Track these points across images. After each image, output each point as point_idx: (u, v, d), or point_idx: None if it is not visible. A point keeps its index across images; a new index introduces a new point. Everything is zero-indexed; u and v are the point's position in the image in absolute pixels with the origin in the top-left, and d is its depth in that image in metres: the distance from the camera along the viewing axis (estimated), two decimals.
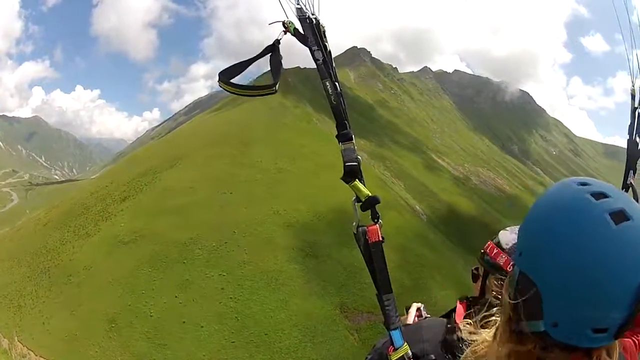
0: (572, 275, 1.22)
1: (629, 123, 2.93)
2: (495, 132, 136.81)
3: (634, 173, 2.92)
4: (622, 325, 1.23)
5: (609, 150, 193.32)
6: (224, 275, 18.08)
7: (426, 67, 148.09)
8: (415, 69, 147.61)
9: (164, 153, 32.93)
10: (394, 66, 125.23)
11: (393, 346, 1.78)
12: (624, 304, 1.21)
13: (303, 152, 31.53)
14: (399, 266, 20.05)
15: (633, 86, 2.98)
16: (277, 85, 1.99)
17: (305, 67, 67.17)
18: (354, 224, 1.86)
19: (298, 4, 1.99)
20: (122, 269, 18.68)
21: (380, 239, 1.84)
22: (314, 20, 2.01)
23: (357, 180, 1.89)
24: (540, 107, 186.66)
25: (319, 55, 1.97)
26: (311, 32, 2.00)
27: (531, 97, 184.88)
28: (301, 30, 2.00)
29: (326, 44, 2.03)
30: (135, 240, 20.38)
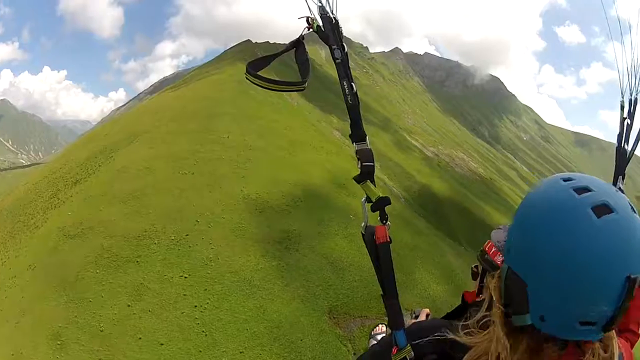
0: (556, 270, 1.31)
1: (618, 132, 3.12)
2: (466, 115, 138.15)
3: (623, 179, 3.05)
4: (610, 319, 1.34)
5: (579, 139, 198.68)
6: (185, 278, 15.04)
7: (397, 47, 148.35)
8: (385, 50, 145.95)
9: (122, 130, 29.66)
10: (364, 45, 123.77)
11: (397, 346, 1.92)
12: (611, 297, 1.30)
13: (274, 128, 28.76)
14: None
15: (622, 98, 3.16)
16: (306, 83, 2.11)
17: (274, 42, 66.72)
18: (363, 224, 2.08)
19: (320, 2, 2.07)
20: (67, 269, 15.51)
21: (388, 239, 2.02)
22: (334, 19, 2.09)
23: (368, 180, 2.08)
24: (511, 92, 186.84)
25: (338, 54, 2.07)
26: (331, 31, 2.08)
27: (502, 82, 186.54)
28: (323, 28, 2.08)
29: (344, 44, 2.10)
30: (82, 233, 17.16)
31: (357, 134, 2.10)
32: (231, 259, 16.15)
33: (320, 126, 38.68)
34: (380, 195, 2.08)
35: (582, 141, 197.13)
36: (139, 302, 14.35)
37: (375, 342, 3.10)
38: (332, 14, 2.10)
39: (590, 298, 1.31)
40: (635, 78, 3.16)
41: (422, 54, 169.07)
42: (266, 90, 2.19)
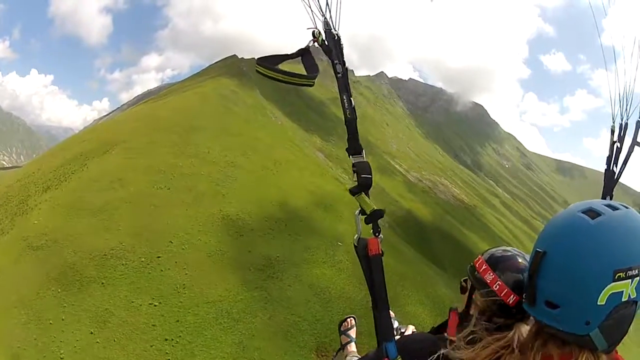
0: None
1: (607, 155, 3.34)
2: (448, 142, 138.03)
3: (611, 199, 3.14)
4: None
5: (561, 166, 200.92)
6: (155, 306, 13.64)
7: (382, 72, 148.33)
8: (369, 74, 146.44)
9: (99, 138, 27.87)
10: (350, 69, 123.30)
11: (387, 358, 2.06)
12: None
13: (257, 146, 27.34)
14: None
15: (613, 122, 3.38)
16: (315, 78, 2.24)
17: (253, 58, 65.99)
18: (355, 236, 2.24)
19: (324, 18, 2.22)
20: (27, 285, 14.00)
21: (381, 252, 2.19)
22: (336, 35, 2.26)
23: (363, 193, 2.25)
24: (494, 120, 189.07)
25: (339, 68, 2.26)
26: (334, 46, 2.25)
27: (484, 109, 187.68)
28: (326, 42, 2.23)
29: (344, 60, 2.28)
30: (46, 245, 15.66)
31: (354, 147, 2.29)
32: (207, 286, 14.60)
33: (304, 146, 37.47)
34: (375, 208, 2.21)
35: (564, 168, 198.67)
36: (103, 329, 12.71)
37: (349, 339, 3.43)
38: (335, 30, 2.24)
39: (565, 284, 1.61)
40: (626, 104, 3.32)
41: (406, 79, 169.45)
42: (276, 81, 2.20)
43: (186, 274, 14.87)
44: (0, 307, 13.26)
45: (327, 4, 2.23)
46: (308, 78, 2.27)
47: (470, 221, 57.59)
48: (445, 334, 2.14)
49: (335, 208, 21.62)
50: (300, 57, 2.32)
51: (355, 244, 2.23)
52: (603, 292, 1.57)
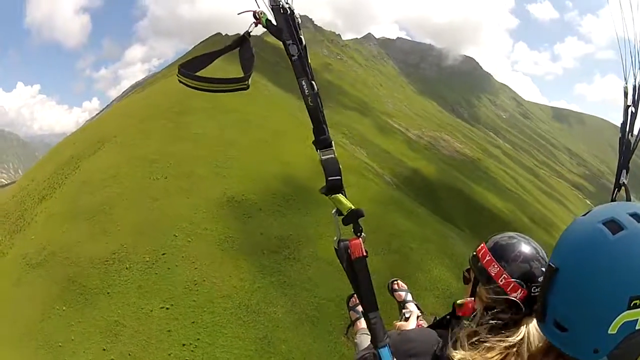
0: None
1: (622, 121, 2.93)
2: (443, 97, 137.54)
3: (627, 172, 2.88)
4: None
5: (558, 113, 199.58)
6: (167, 309, 12.62)
7: (370, 33, 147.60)
8: (356, 37, 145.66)
9: (89, 137, 26.64)
10: (337, 33, 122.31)
11: None
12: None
13: (252, 120, 26.15)
14: (391, 250, 16.23)
15: (626, 83, 2.94)
16: (249, 80, 1.85)
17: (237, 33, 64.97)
18: (335, 238, 1.93)
19: None
20: (32, 306, 13.03)
21: (364, 253, 1.90)
22: (288, 10, 1.86)
23: (339, 193, 1.91)
24: (486, 72, 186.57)
25: (294, 50, 1.86)
26: (285, 24, 1.85)
27: (476, 62, 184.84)
28: (274, 22, 1.85)
29: (301, 37, 1.89)
30: (45, 260, 14.57)
31: (321, 141, 1.87)
32: (220, 279, 13.42)
33: (299, 115, 36.37)
34: (352, 208, 1.91)
35: (561, 115, 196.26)
36: (116, 344, 11.59)
37: (358, 315, 3.48)
38: (287, 3, 1.85)
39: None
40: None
41: (394, 38, 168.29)
42: (202, 92, 1.91)
43: (196, 268, 13.69)
44: (8, 336, 12.20)
45: None
46: (239, 81, 1.83)
47: (477, 175, 56.11)
48: (445, 332, 2.05)
49: (345, 176, 20.38)
50: (239, 48, 1.95)
51: (336, 247, 1.95)
52: (615, 320, 1.42)
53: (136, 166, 19.18)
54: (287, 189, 18.07)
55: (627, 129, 2.86)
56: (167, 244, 14.54)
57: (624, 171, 2.85)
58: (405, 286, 3.76)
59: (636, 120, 2.89)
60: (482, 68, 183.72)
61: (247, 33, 1.90)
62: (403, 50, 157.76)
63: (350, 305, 3.59)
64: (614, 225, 1.46)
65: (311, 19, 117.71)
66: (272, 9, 1.83)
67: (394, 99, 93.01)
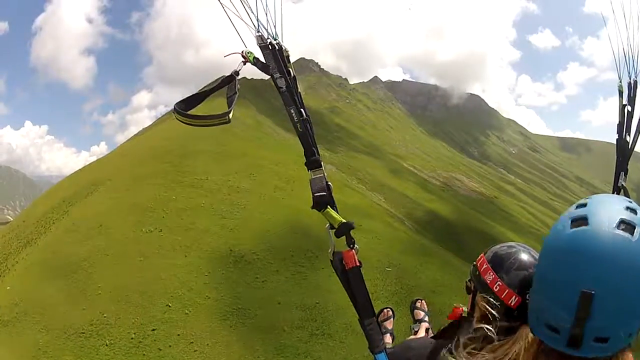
0: (536, 275, 1.60)
1: (618, 122, 2.91)
2: (452, 137, 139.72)
3: (625, 174, 2.89)
4: (571, 332, 1.44)
5: (565, 144, 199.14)
6: None
7: (376, 77, 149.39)
8: (362, 80, 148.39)
9: (84, 178, 24.72)
10: (343, 77, 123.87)
11: None
12: (570, 306, 1.41)
13: (264, 165, 23.67)
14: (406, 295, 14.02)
15: (620, 82, 2.95)
16: (230, 114, 2.09)
17: (252, 78, 65.47)
18: (330, 250, 2.15)
19: (258, 32, 2.11)
20: None
21: (358, 264, 2.11)
22: (275, 45, 2.12)
23: (328, 207, 2.15)
24: (492, 108, 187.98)
25: (282, 82, 2.11)
26: (273, 59, 2.11)
27: (481, 99, 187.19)
28: (262, 59, 2.11)
29: (290, 68, 2.18)
30: (16, 319, 12.06)
31: (312, 162, 2.17)
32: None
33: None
34: (343, 221, 2.12)
35: (568, 145, 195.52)
36: None
37: (385, 330, 3.39)
38: (275, 39, 2.13)
39: (553, 304, 1.45)
40: (632, 57, 2.93)
41: (400, 80, 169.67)
42: (194, 126, 2.20)
43: (195, 350, 10.72)
44: None
45: (257, 17, 2.12)
46: (220, 117, 2.07)
47: (495, 213, 55.81)
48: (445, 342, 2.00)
49: (369, 224, 17.98)
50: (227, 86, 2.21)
51: (331, 258, 2.14)
52: None
53: (127, 215, 16.70)
54: (307, 244, 15.28)
55: (624, 129, 2.84)
56: (158, 316, 11.66)
57: (622, 173, 2.86)
58: (426, 309, 3.67)
59: (633, 119, 2.85)
60: (487, 104, 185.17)
61: (235, 72, 2.12)
62: (409, 92, 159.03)
63: (378, 319, 2.84)
64: (627, 226, 1.43)
65: (317, 64, 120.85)
66: (260, 47, 2.07)
67: (405, 141, 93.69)
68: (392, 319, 3.53)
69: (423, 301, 3.71)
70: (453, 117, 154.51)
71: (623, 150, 2.85)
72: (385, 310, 3.53)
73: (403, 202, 41.72)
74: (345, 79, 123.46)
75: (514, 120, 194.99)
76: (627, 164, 2.86)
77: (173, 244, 14.49)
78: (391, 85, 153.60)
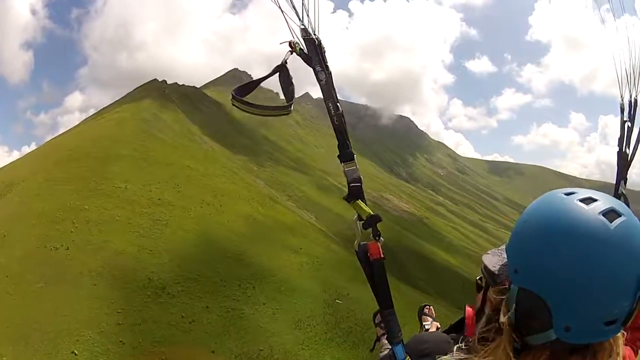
0: (580, 279, 1.32)
1: (619, 136, 3.15)
2: (380, 157, 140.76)
3: (625, 183, 3.09)
4: (629, 313, 1.36)
5: (494, 167, 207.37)
6: None
7: (307, 93, 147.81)
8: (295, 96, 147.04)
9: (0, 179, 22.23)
10: (275, 91, 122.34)
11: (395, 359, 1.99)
12: (630, 292, 1.33)
13: (191, 176, 22.09)
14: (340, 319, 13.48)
15: (622, 100, 3.20)
16: (291, 106, 2.13)
17: (183, 84, 63.57)
18: (356, 242, 2.04)
19: (302, 25, 2.10)
20: None
21: (382, 256, 2.05)
22: (316, 41, 2.11)
23: (359, 199, 2.08)
24: (421, 130, 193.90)
25: (322, 76, 2.09)
26: (315, 53, 2.10)
27: (411, 121, 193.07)
28: (306, 51, 2.10)
29: (327, 64, 2.14)
30: None
31: (346, 154, 2.13)
32: None
33: (243, 174, 32.64)
34: (371, 213, 2.07)
35: (498, 168, 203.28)
36: None
37: (383, 331, 3.17)
38: (315, 35, 2.12)
39: (613, 298, 1.32)
40: (634, 78, 3.16)
41: None
42: (252, 115, 2.20)
43: None
44: None
45: (302, 11, 2.10)
46: (283, 109, 2.13)
47: (427, 233, 56.71)
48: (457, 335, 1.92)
49: (307, 247, 16.74)
50: (278, 74, 2.19)
51: (356, 249, 2.03)
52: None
53: (33, 226, 14.59)
54: (241, 271, 13.86)
55: (624, 142, 3.07)
56: None
57: (622, 181, 3.05)
58: (434, 315, 3.48)
59: (632, 134, 3.09)
60: (416, 126, 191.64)
61: (285, 61, 2.13)
62: None
63: (376, 321, 3.13)
64: (612, 215, 1.38)
65: (250, 75, 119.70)
66: (303, 40, 2.07)
67: (334, 158, 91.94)
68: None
69: (431, 307, 3.63)
70: (382, 138, 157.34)
71: (624, 160, 3.05)
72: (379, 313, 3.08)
73: (333, 220, 41.14)
74: (277, 93, 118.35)
75: (442, 143, 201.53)
76: (627, 174, 3.08)
77: (81, 268, 12.40)
78: (321, 103, 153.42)
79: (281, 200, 36.82)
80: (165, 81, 59.89)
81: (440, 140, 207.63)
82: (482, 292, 2.07)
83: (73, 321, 10.64)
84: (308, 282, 14.98)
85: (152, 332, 10.80)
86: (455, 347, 1.70)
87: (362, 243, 2.06)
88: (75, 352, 9.86)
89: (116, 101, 56.56)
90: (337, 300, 13.63)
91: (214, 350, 10.65)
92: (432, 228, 61.79)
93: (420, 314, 3.59)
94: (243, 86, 2.17)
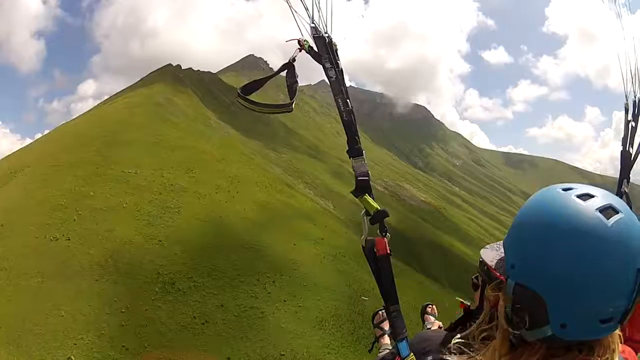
0: (576, 276, 1.31)
1: (622, 135, 3.26)
2: (397, 146, 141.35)
3: (628, 182, 3.20)
4: (626, 311, 1.36)
5: (509, 159, 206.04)
6: None
7: (323, 80, 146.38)
8: (309, 83, 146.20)
9: (7, 165, 21.64)
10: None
11: (399, 356, 2.04)
12: (626, 291, 1.32)
13: (204, 160, 21.09)
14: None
15: (627, 100, 3.31)
16: (292, 105, 2.22)
17: (198, 70, 62.55)
18: (363, 237, 2.14)
19: (312, 23, 2.19)
20: None
21: (389, 252, 2.13)
22: (326, 38, 2.22)
23: (366, 194, 2.21)
24: (438, 120, 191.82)
25: (332, 73, 2.20)
26: (325, 50, 2.20)
27: (427, 110, 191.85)
28: (315, 48, 2.21)
29: (338, 61, 2.25)
30: None
31: (355, 150, 2.24)
32: None
33: (260, 160, 31.54)
34: (379, 208, 2.17)
35: (512, 161, 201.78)
36: None
37: (382, 332, 3.32)
38: (325, 32, 2.21)
39: (610, 296, 1.31)
40: (639, 79, 3.29)
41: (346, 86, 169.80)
42: (255, 112, 2.30)
43: None
44: None
45: (313, 8, 2.19)
46: (284, 107, 2.25)
47: (444, 223, 55.89)
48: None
49: (329, 238, 15.56)
50: (286, 71, 2.26)
51: (363, 245, 2.14)
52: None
53: (34, 214, 13.55)
54: (259, 264, 12.71)
55: (628, 142, 3.19)
56: None
57: (625, 180, 3.16)
58: (437, 313, 3.67)
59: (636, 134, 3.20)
60: (432, 115, 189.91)
61: (293, 59, 2.20)
62: (356, 99, 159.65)
63: (375, 322, 3.30)
64: (610, 211, 1.38)
65: (266, 61, 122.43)
66: (313, 38, 2.16)
67: None
68: (387, 320, 3.09)
69: (434, 306, 3.69)
70: (398, 127, 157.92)
71: (627, 159, 3.17)
72: (380, 312, 3.32)
73: (352, 209, 38.39)
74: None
75: (458, 133, 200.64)
76: (629, 173, 3.16)
77: (82, 260, 11.29)
78: None
79: (299, 188, 35.83)
80: (179, 66, 58.75)
81: (457, 131, 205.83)
82: (479, 290, 2.09)
83: (71, 322, 9.57)
84: (331, 275, 13.83)
85: (160, 334, 9.65)
86: (452, 343, 1.65)
87: (369, 238, 2.12)
88: (72, 358, 8.75)
89: (129, 86, 55.61)
90: (363, 297, 12.45)
91: (229, 357, 9.40)
92: (449, 219, 60.75)
93: (423, 313, 3.70)
94: (249, 84, 2.22)
